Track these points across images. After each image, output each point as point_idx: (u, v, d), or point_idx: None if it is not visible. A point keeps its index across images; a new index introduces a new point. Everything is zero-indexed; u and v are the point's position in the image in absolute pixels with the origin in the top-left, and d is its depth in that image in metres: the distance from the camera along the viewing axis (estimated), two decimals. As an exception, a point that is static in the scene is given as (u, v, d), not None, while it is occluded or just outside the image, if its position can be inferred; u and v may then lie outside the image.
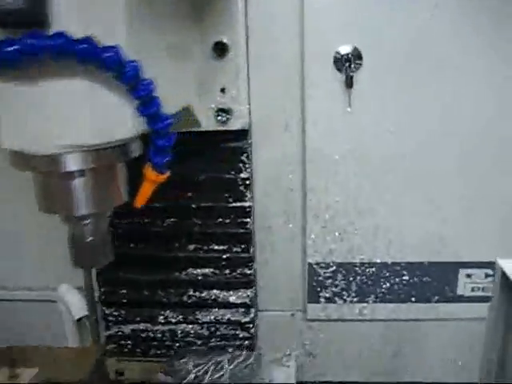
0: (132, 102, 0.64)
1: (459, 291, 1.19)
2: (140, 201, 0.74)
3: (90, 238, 0.74)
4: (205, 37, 0.98)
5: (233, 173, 1.11)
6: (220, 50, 0.98)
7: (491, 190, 1.12)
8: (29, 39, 0.55)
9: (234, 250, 1.16)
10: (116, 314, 1.23)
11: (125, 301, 1.22)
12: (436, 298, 1.20)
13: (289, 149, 1.14)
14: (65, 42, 0.55)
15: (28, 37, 0.55)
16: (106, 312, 1.24)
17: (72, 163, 0.66)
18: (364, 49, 1.04)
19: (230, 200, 1.13)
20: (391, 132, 1.09)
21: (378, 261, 1.17)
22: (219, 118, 1.02)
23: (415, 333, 1.24)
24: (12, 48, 0.55)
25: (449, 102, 1.07)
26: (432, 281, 1.18)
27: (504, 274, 0.84)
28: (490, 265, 1.15)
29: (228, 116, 1.02)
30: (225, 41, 0.98)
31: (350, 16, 1.04)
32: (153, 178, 0.72)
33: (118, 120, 0.65)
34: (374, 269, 1.18)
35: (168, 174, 0.73)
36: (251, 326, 1.21)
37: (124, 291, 1.22)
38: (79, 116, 0.62)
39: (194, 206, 1.14)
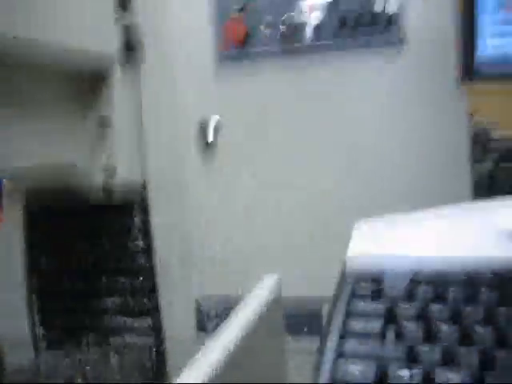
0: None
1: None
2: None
3: None
4: (91, 110, 1.31)
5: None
6: (102, 124, 1.30)
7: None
8: None
9: (135, 282, 1.44)
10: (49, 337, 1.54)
11: (57, 325, 1.53)
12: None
13: (178, 205, 1.42)
14: None
15: None
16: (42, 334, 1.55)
17: None
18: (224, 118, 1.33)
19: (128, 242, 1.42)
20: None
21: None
22: (104, 177, 1.33)
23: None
24: None
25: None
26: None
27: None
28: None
29: (111, 176, 1.33)
30: (106, 117, 1.31)
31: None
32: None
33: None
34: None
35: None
36: (155, 350, 1.46)
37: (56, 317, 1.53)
38: None
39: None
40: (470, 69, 0.82)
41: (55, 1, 1.09)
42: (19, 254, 1.48)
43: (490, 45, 0.83)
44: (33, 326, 1.53)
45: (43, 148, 1.19)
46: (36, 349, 1.54)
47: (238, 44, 1.30)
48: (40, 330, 1.54)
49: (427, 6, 1.17)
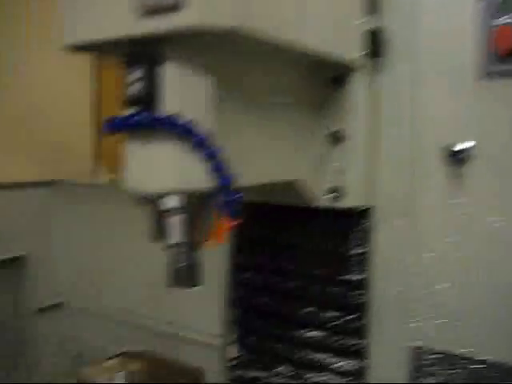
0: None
1: None
2: (217, 239, 0.94)
3: (182, 264, 0.96)
4: (325, 125, 1.17)
5: (345, 248, 1.25)
6: (337, 138, 1.16)
7: None
8: (138, 116, 0.83)
9: (345, 318, 1.28)
10: (244, 358, 1.43)
11: (252, 348, 1.42)
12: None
13: (404, 234, 1.23)
14: (153, 119, 0.83)
15: (139, 113, 0.84)
16: (237, 355, 1.44)
17: (168, 202, 0.91)
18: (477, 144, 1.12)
19: (342, 272, 1.26)
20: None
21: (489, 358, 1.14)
22: (330, 195, 1.18)
23: None
24: (132, 120, 0.84)
25: None
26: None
27: None
28: None
29: (338, 195, 1.17)
30: (342, 131, 1.16)
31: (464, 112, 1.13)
32: (225, 222, 0.92)
33: (197, 175, 0.88)
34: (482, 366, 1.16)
35: (236, 222, 0.92)
36: (355, 397, 1.28)
37: (253, 338, 1.42)
38: (171, 169, 0.88)
39: (314, 272, 1.30)
40: None
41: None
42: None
43: None
44: (225, 344, 1.44)
45: (273, 164, 1.07)
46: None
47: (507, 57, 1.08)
48: (233, 349, 1.45)
49: None
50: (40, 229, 2.05)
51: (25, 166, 2.09)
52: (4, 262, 1.43)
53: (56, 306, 2.10)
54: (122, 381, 1.11)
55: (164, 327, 1.85)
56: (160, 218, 0.93)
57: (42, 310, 1.90)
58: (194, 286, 1.00)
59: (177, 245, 0.95)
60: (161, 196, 0.90)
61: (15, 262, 1.45)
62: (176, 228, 0.93)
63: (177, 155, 0.87)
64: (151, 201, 0.92)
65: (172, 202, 0.90)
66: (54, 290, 2.12)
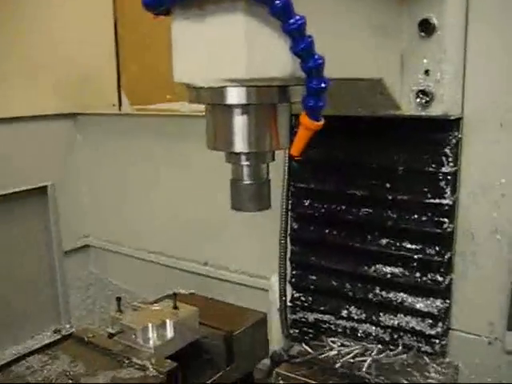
0: (287, 42, 0.64)
1: None
2: (295, 149, 0.73)
3: (248, 181, 0.76)
4: (412, 14, 0.95)
5: (434, 166, 1.04)
6: (426, 28, 0.93)
7: None
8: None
9: (428, 251, 1.07)
10: (303, 299, 1.24)
11: (312, 287, 1.22)
12: None
13: (502, 150, 1.01)
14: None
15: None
16: (295, 296, 1.25)
17: (233, 97, 0.69)
18: None
19: (428, 195, 1.05)
20: None
21: None
22: (418, 100, 0.96)
23: None
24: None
25: None
26: None
27: None
28: None
29: (428, 99, 0.95)
30: (432, 19, 0.93)
31: None
32: (307, 124, 0.70)
33: (273, 58, 0.66)
34: None
35: (322, 122, 0.71)
36: (437, 341, 1.09)
37: (313, 277, 1.22)
38: (236, 51, 0.66)
39: (390, 197, 1.09)
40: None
41: None
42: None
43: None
44: (282, 285, 1.24)
45: (355, 55, 0.84)
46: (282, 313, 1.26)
47: None
48: (289, 289, 1.25)
49: None
50: (64, 161, 1.98)
51: (48, 98, 1.96)
52: (29, 192, 1.30)
53: (83, 247, 1.97)
54: (173, 327, 0.94)
55: (204, 269, 1.68)
56: (222, 121, 0.72)
57: (68, 252, 1.75)
58: (261, 209, 0.81)
59: (242, 155, 0.75)
60: (222, 89, 0.69)
61: (40, 194, 1.31)
62: (242, 133, 0.72)
63: (246, 31, 0.64)
64: (210, 97, 0.71)
65: (238, 96, 0.69)
66: (80, 230, 1.99)
